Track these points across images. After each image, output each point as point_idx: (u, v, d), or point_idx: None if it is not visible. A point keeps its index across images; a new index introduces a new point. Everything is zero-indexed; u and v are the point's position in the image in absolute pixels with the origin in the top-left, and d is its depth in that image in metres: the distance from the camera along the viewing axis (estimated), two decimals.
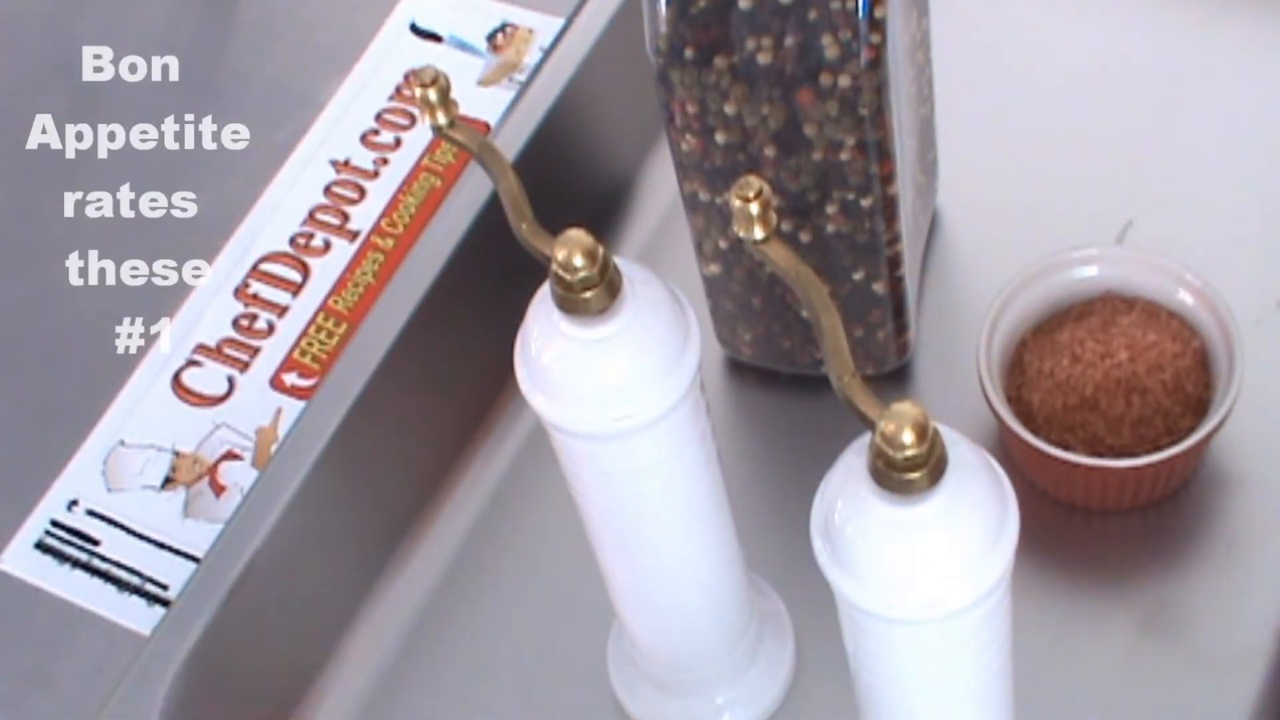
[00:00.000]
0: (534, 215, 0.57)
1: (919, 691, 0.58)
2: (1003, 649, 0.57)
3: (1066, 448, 0.72)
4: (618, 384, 0.57)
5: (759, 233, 0.53)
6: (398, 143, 0.87)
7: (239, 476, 0.77)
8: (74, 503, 0.78)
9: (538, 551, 0.78)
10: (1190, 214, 0.82)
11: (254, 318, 0.82)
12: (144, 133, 0.90)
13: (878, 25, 0.64)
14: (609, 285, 0.55)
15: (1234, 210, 0.82)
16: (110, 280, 0.85)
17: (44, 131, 0.92)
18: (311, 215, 0.85)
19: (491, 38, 0.90)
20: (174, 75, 0.92)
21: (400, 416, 0.78)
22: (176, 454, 0.79)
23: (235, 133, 0.89)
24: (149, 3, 0.96)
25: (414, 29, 0.91)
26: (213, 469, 0.78)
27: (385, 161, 0.86)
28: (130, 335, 0.82)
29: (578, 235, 0.55)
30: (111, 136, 0.91)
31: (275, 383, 0.80)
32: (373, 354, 0.77)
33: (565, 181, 0.83)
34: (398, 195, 0.85)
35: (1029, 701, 0.64)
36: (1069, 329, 0.74)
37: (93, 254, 0.86)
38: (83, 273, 0.86)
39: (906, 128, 0.71)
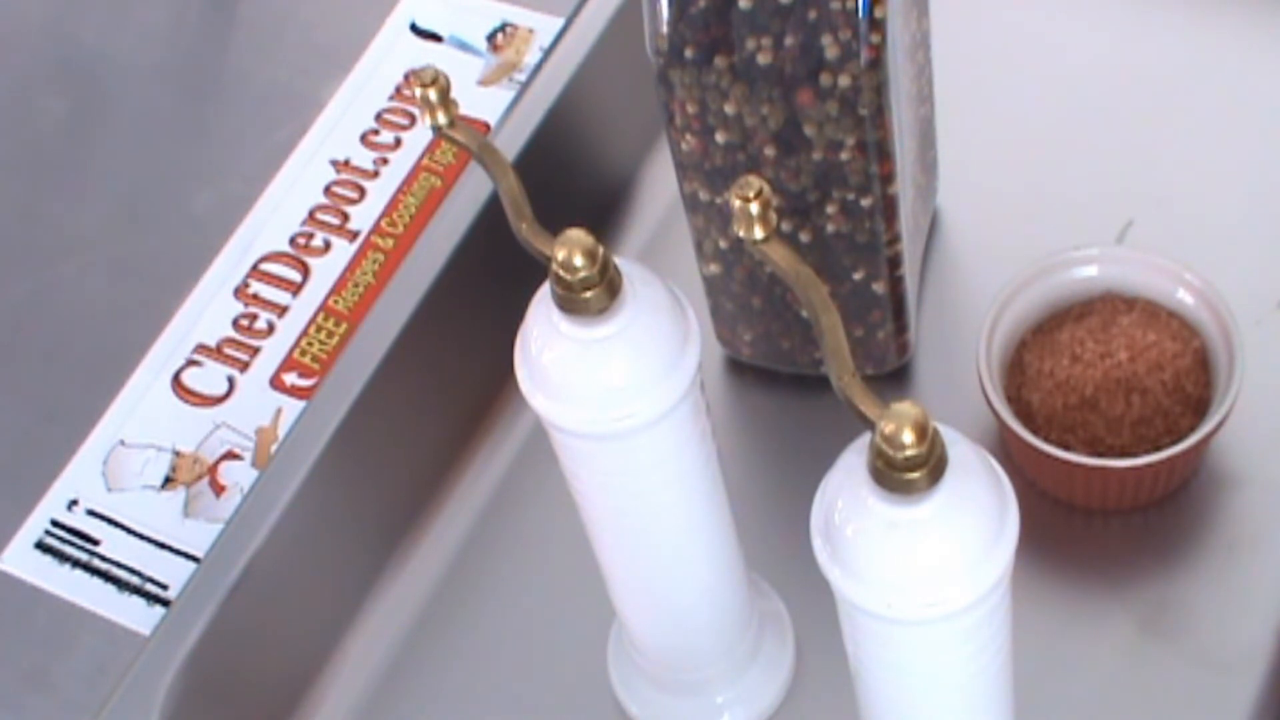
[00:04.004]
0: (534, 215, 0.57)
1: (919, 691, 0.58)
2: (1003, 649, 0.57)
3: (1066, 448, 0.72)
4: (618, 384, 0.57)
5: (759, 233, 0.53)
6: (398, 143, 0.87)
7: (239, 476, 0.77)
8: (74, 502, 0.78)
9: (538, 551, 0.78)
10: (1190, 214, 0.82)
11: (254, 318, 0.82)
12: (144, 132, 0.91)
13: (878, 25, 0.64)
14: (609, 285, 0.55)
15: (1234, 210, 0.82)
16: (110, 280, 0.85)
17: (44, 130, 0.92)
18: (311, 215, 0.85)
19: (491, 38, 0.90)
20: (175, 74, 0.93)
21: (400, 416, 0.78)
22: (176, 454, 0.79)
23: (234, 132, 0.89)
24: (149, 3, 0.96)
25: (414, 29, 0.91)
26: (213, 469, 0.78)
27: (385, 161, 0.86)
28: (130, 335, 0.82)
29: (578, 235, 0.55)
30: (112, 135, 0.91)
31: (275, 383, 0.80)
32: (373, 354, 0.77)
33: (565, 181, 0.83)
34: (398, 195, 0.85)
35: (1029, 701, 0.64)
36: (1069, 329, 0.74)
37: (93, 254, 0.86)
38: (83, 273, 0.86)
39: (906, 128, 0.71)
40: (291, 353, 0.81)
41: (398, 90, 0.89)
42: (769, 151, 0.68)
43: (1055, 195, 0.83)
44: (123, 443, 0.79)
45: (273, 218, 0.85)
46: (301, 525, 0.74)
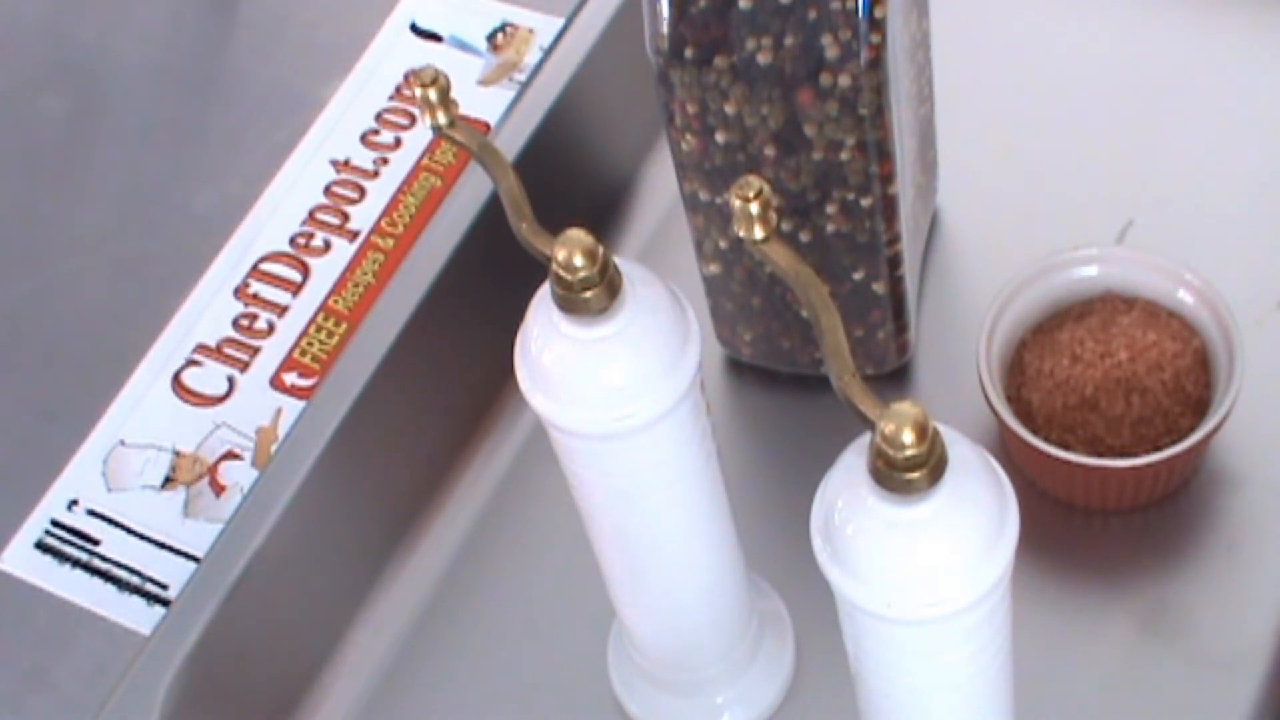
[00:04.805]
0: (534, 215, 0.57)
1: (919, 691, 0.58)
2: (1003, 649, 0.57)
3: (1066, 448, 0.72)
4: (618, 384, 0.57)
5: (759, 233, 0.53)
6: (398, 143, 0.87)
7: (239, 476, 0.77)
8: (74, 502, 0.78)
9: (538, 551, 0.78)
10: (1190, 214, 0.82)
11: (254, 317, 0.82)
12: (144, 132, 0.91)
13: (878, 25, 0.64)
14: (609, 285, 0.55)
15: (1234, 210, 0.82)
16: (110, 280, 0.85)
17: (44, 130, 0.92)
18: (311, 215, 0.85)
19: (491, 38, 0.90)
20: (175, 74, 0.92)
21: (400, 416, 0.78)
22: (176, 454, 0.79)
23: (234, 131, 0.89)
24: (149, 3, 0.96)
25: (414, 29, 0.91)
26: (213, 469, 0.78)
27: (385, 161, 0.86)
28: (130, 335, 0.82)
29: (578, 235, 0.55)
30: (112, 135, 0.91)
31: (275, 383, 0.80)
32: (373, 354, 0.77)
33: (565, 181, 0.83)
34: (398, 195, 0.85)
35: (1029, 701, 0.64)
36: (1069, 329, 0.74)
37: (93, 254, 0.86)
38: (83, 273, 0.86)
39: (906, 128, 0.71)
40: (291, 353, 0.81)
41: (398, 90, 0.89)
42: (769, 151, 0.68)
43: (1055, 195, 0.83)
44: (123, 443, 0.79)
45: (273, 218, 0.85)
46: (301, 525, 0.74)
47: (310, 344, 0.81)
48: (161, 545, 0.76)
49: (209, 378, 0.81)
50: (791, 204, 0.70)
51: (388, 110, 0.88)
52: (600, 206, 0.86)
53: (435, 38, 0.90)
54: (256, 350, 0.81)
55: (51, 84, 0.93)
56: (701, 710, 0.72)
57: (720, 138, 0.68)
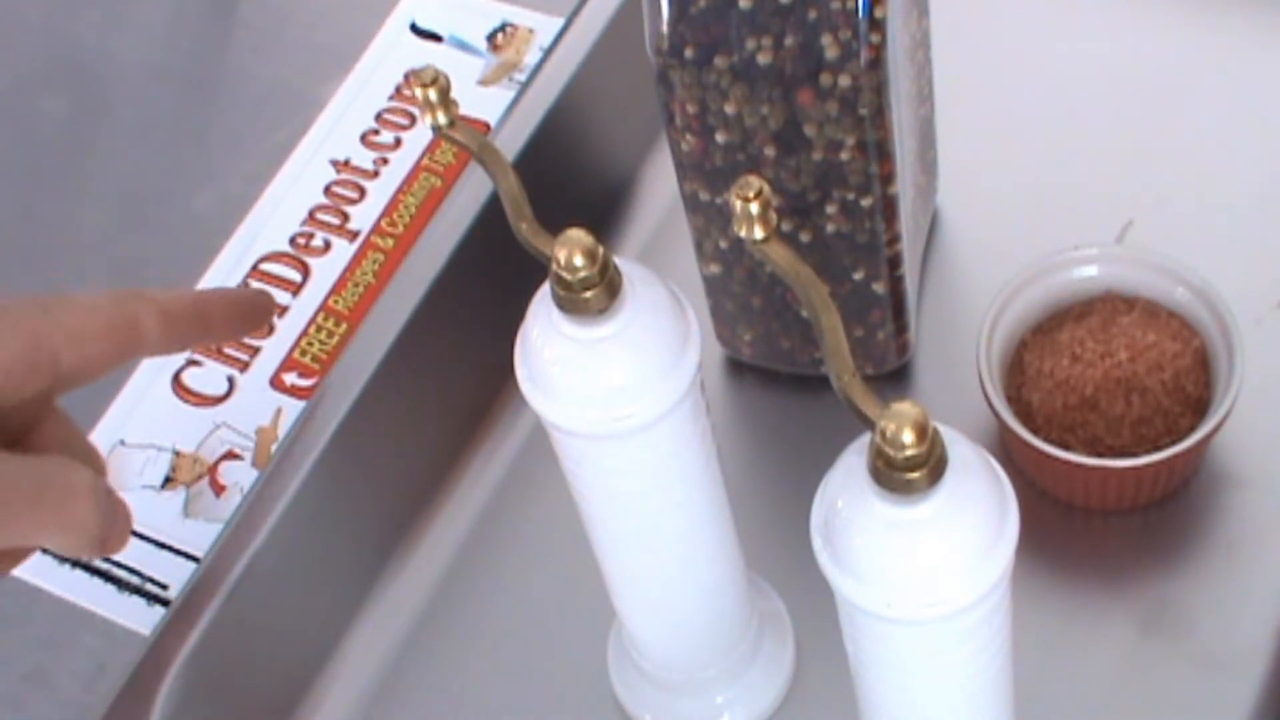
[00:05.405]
0: (534, 215, 0.57)
1: (919, 691, 0.58)
2: (1003, 649, 0.57)
3: (1066, 448, 0.72)
4: (618, 384, 0.57)
5: (759, 233, 0.53)
6: (398, 143, 0.87)
7: (239, 476, 0.77)
8: None
9: (538, 551, 0.78)
10: (1190, 214, 0.82)
11: None
12: (144, 132, 0.91)
13: (878, 25, 0.64)
14: (609, 285, 0.55)
15: (1234, 210, 0.82)
16: (110, 280, 0.85)
17: (44, 130, 0.92)
18: (311, 215, 0.85)
19: (491, 38, 0.90)
20: (175, 74, 0.93)
21: (400, 416, 0.78)
22: (176, 454, 0.79)
23: (234, 131, 0.89)
24: (149, 3, 0.96)
25: (414, 29, 0.91)
26: (213, 469, 0.78)
27: (385, 161, 0.86)
28: None
29: (578, 235, 0.55)
30: (112, 135, 0.91)
31: (275, 383, 0.80)
32: (373, 354, 0.77)
33: (565, 181, 0.83)
34: (398, 195, 0.85)
35: (1029, 701, 0.64)
36: (1069, 329, 0.74)
37: (93, 254, 0.86)
38: (83, 273, 0.86)
39: (906, 128, 0.71)
40: (291, 353, 0.81)
41: (398, 90, 0.89)
42: (769, 151, 0.68)
43: (1055, 195, 0.83)
44: (123, 443, 0.79)
45: (273, 218, 0.85)
46: (301, 525, 0.74)
47: (310, 344, 0.81)
48: (161, 545, 0.76)
49: (209, 378, 0.81)
50: (791, 204, 0.70)
51: (388, 110, 0.88)
52: (600, 206, 0.86)
53: (435, 38, 0.90)
54: (256, 350, 0.81)
55: (51, 84, 0.94)
56: (701, 710, 0.72)
57: (720, 138, 0.68)
